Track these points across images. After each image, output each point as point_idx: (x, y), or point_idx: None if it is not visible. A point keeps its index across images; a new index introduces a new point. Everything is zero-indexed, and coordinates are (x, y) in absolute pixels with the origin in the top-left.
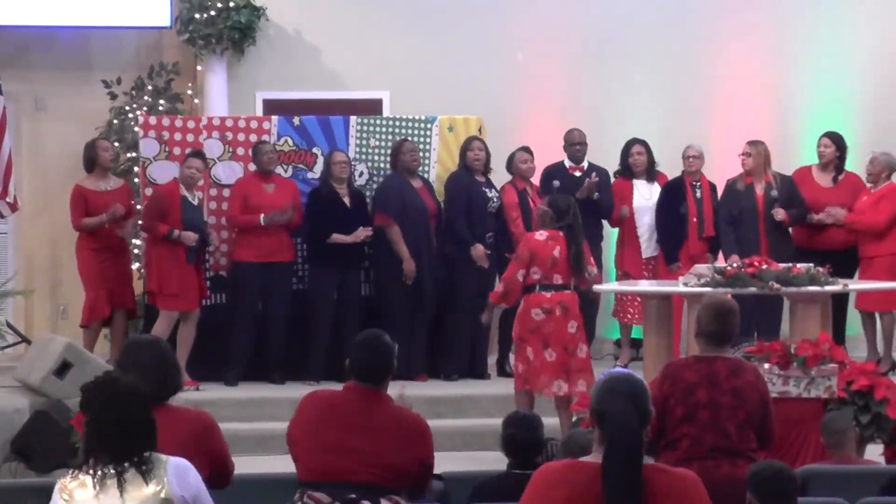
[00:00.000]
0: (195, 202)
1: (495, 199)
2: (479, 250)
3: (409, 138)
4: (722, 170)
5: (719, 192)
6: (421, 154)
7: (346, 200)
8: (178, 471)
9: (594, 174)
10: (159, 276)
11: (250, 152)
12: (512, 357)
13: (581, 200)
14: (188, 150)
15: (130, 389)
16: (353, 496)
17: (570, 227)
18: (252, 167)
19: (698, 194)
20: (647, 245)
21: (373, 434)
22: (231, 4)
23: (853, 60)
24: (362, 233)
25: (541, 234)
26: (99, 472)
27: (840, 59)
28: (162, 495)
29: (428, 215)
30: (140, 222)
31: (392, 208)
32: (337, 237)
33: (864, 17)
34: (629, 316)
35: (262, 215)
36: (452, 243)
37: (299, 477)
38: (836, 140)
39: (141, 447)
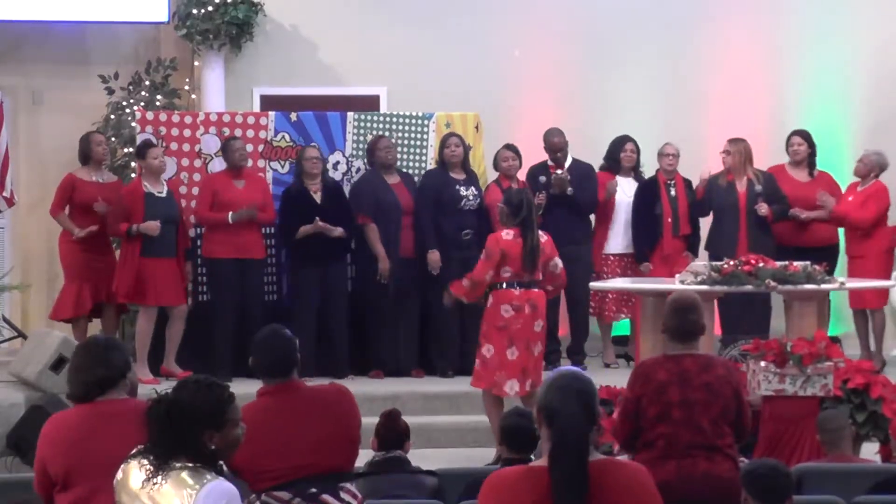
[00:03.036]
0: (162, 194)
1: (472, 197)
2: (434, 256)
3: (406, 134)
4: (718, 168)
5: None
6: (417, 150)
7: (318, 196)
8: (211, 493)
9: (560, 170)
10: (120, 274)
11: (220, 148)
12: None
13: (557, 196)
14: (140, 143)
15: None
16: (314, 490)
17: (524, 222)
18: (249, 163)
19: (672, 192)
20: (622, 240)
21: (307, 421)
22: (228, 0)
23: (848, 59)
24: (333, 229)
25: (507, 234)
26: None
27: (835, 58)
28: None
29: (401, 211)
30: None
31: (366, 207)
32: (304, 229)
33: (859, 16)
34: (606, 313)
35: (231, 213)
36: (438, 240)
37: (254, 489)
38: (807, 138)
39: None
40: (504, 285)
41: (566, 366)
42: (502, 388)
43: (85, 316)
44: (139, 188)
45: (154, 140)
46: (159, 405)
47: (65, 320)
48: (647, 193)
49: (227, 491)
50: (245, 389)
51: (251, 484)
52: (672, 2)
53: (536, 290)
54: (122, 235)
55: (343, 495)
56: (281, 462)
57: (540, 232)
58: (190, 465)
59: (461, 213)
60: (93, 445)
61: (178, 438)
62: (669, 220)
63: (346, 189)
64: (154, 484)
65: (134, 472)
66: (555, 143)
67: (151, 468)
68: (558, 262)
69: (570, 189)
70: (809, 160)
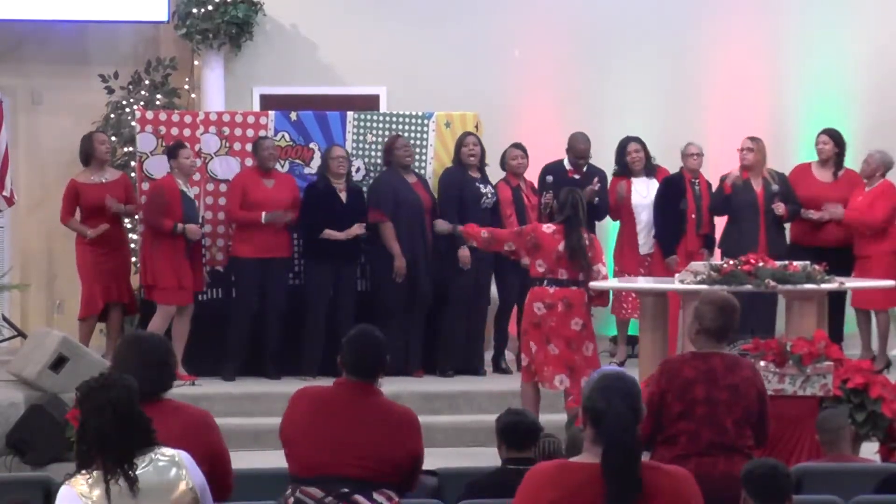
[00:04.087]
0: (192, 195)
1: (490, 195)
2: (464, 253)
3: (406, 134)
4: (717, 166)
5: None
6: (417, 150)
7: (343, 196)
8: (190, 461)
9: (596, 180)
10: (154, 270)
11: (250, 148)
12: (508, 353)
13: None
14: (172, 143)
15: (124, 389)
16: (346, 490)
17: (568, 220)
18: (249, 162)
19: (697, 190)
20: (645, 242)
21: (365, 428)
22: (228, 0)
23: (849, 58)
24: (355, 230)
25: (548, 227)
26: (111, 473)
27: (835, 58)
28: (189, 486)
29: (423, 210)
30: (139, 217)
31: (385, 205)
32: (329, 233)
33: (859, 15)
34: (625, 311)
35: (264, 213)
36: (453, 239)
37: (291, 472)
38: (835, 137)
39: (140, 444)
40: (542, 282)
41: (611, 366)
42: (552, 381)
43: (95, 315)
44: (175, 185)
45: (184, 142)
46: (103, 415)
47: (82, 319)
48: (674, 188)
49: (185, 454)
50: (251, 389)
51: (292, 464)
52: (672, 2)
53: (574, 288)
54: (166, 231)
55: (377, 497)
56: (324, 454)
57: (587, 235)
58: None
59: (482, 211)
60: None
61: (137, 433)
62: (693, 216)
63: None
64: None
65: (88, 487)
66: (580, 150)
67: (120, 469)
68: (601, 268)
69: (596, 199)
70: (836, 160)
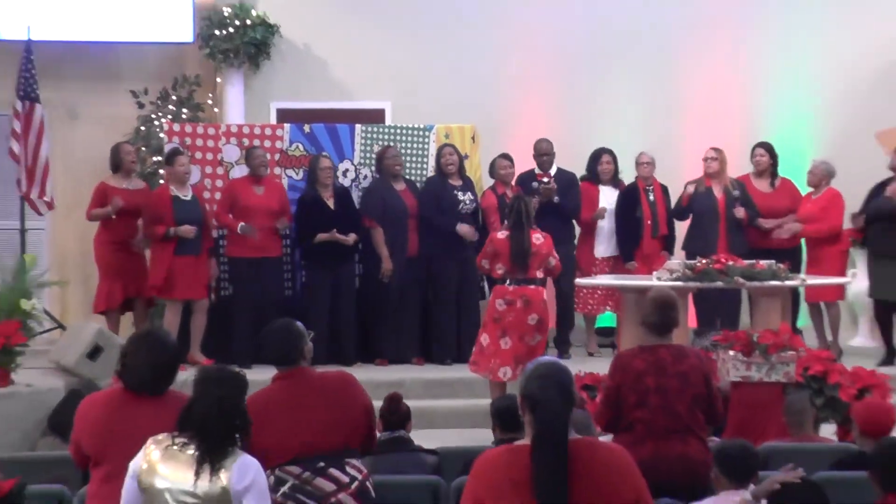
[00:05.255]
0: (188, 197)
1: (468, 202)
2: (464, 227)
3: (409, 145)
4: (693, 174)
5: (671, 194)
6: (419, 159)
7: (331, 202)
8: (243, 465)
9: (548, 179)
10: (153, 271)
11: (243, 156)
12: None
13: (544, 203)
14: (169, 150)
15: (236, 381)
16: (322, 465)
17: (514, 224)
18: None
19: (651, 197)
20: (607, 245)
21: (318, 402)
22: (248, 22)
23: (812, 76)
24: (347, 238)
25: (501, 233)
26: (183, 446)
27: (800, 75)
28: (223, 484)
29: (408, 214)
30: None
31: (374, 211)
32: (321, 236)
33: (822, 36)
34: (590, 307)
35: (241, 224)
36: (432, 241)
37: (267, 466)
38: (769, 149)
39: (227, 435)
40: (504, 281)
41: (546, 356)
42: (496, 373)
43: (117, 309)
44: (166, 192)
45: (181, 149)
46: (207, 400)
47: (100, 313)
48: (629, 199)
49: (254, 462)
50: (262, 376)
51: (264, 460)
52: (653, 23)
53: (532, 287)
54: (159, 238)
55: (349, 469)
56: (291, 440)
57: (539, 234)
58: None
59: (459, 216)
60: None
61: (226, 428)
62: (649, 222)
63: (354, 194)
64: (203, 464)
65: (168, 454)
66: (541, 148)
67: (198, 452)
68: (552, 260)
69: (556, 198)
70: (772, 170)
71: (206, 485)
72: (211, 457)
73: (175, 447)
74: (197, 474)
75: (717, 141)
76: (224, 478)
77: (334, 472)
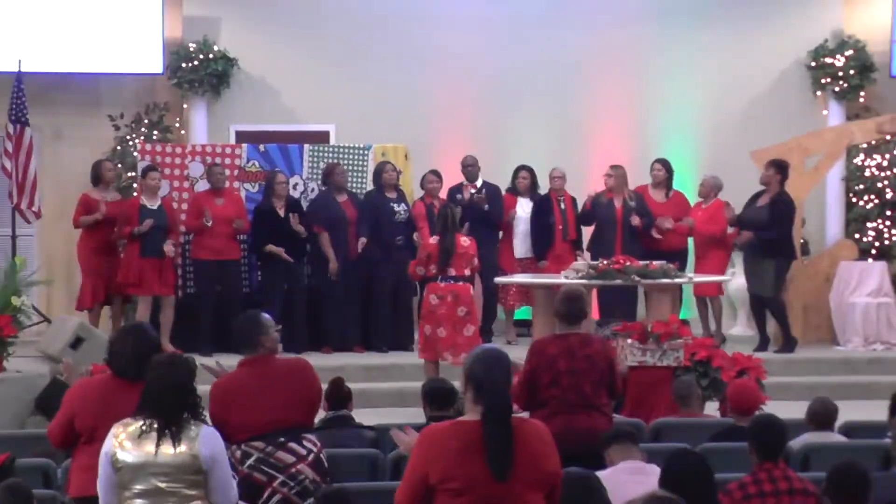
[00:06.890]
0: (154, 207)
1: (402, 212)
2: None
3: (349, 162)
4: (598, 186)
5: (579, 205)
6: (359, 175)
7: (282, 212)
8: (207, 435)
9: (483, 192)
10: (122, 270)
11: (204, 172)
12: None
13: (474, 211)
14: (145, 166)
15: (186, 365)
16: (282, 440)
17: (442, 230)
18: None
19: (562, 206)
20: (522, 248)
21: (277, 386)
22: (210, 56)
23: (695, 103)
24: (289, 258)
25: (433, 239)
26: (146, 425)
27: (685, 102)
28: (193, 452)
29: (348, 222)
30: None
31: (321, 219)
32: (270, 248)
33: (701, 71)
34: (511, 302)
35: (205, 217)
36: (376, 246)
37: (232, 441)
38: (666, 165)
39: (181, 411)
40: (436, 279)
41: (488, 344)
42: (443, 356)
43: (100, 304)
44: (136, 202)
45: (154, 165)
46: (161, 382)
47: (85, 309)
48: (543, 207)
49: (215, 433)
50: (225, 362)
51: (230, 436)
52: (563, 56)
53: (461, 283)
54: (126, 237)
55: (305, 443)
56: (255, 418)
57: (466, 238)
58: (186, 417)
59: (394, 224)
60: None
61: (179, 405)
62: (560, 227)
63: (303, 204)
64: (164, 437)
65: (133, 433)
66: (467, 161)
67: (157, 426)
68: (474, 260)
69: (486, 206)
70: (667, 183)
71: (171, 456)
72: (170, 430)
73: (138, 426)
74: (158, 446)
75: (618, 157)
76: (190, 447)
77: (293, 445)
